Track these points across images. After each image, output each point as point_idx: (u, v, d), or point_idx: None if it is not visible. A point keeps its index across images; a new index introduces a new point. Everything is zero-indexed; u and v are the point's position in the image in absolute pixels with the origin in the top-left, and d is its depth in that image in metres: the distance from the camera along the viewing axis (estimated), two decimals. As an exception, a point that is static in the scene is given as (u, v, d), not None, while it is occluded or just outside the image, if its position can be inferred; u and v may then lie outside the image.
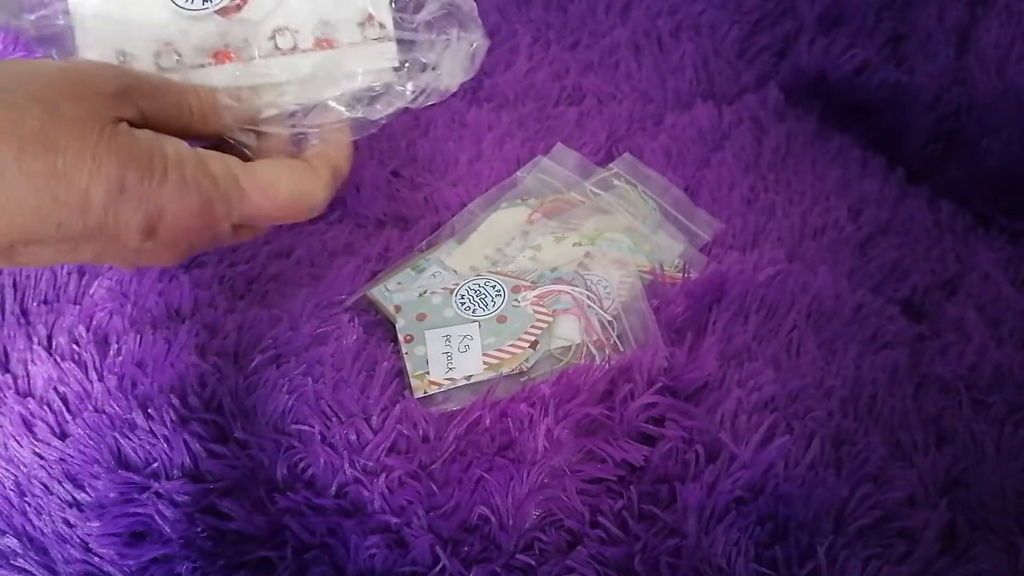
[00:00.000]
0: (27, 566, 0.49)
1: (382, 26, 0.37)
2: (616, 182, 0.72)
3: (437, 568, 0.47)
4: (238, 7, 0.35)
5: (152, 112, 0.32)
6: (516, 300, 0.61)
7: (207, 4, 0.35)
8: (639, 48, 0.85)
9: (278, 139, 0.37)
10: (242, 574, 0.48)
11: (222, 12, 0.35)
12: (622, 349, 0.59)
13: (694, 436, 0.51)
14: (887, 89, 0.81)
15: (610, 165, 0.74)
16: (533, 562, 0.48)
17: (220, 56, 0.36)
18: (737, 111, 0.78)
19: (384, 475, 0.50)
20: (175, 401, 0.52)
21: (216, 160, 0.32)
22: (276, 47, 0.36)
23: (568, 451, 0.51)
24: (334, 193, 0.36)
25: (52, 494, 0.50)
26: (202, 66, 0.36)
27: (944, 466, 0.52)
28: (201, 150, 0.33)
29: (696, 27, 0.86)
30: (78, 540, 0.49)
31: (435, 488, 0.50)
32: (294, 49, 0.36)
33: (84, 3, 0.35)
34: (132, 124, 0.31)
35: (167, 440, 0.51)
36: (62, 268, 0.58)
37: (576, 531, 0.49)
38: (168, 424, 0.51)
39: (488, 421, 0.53)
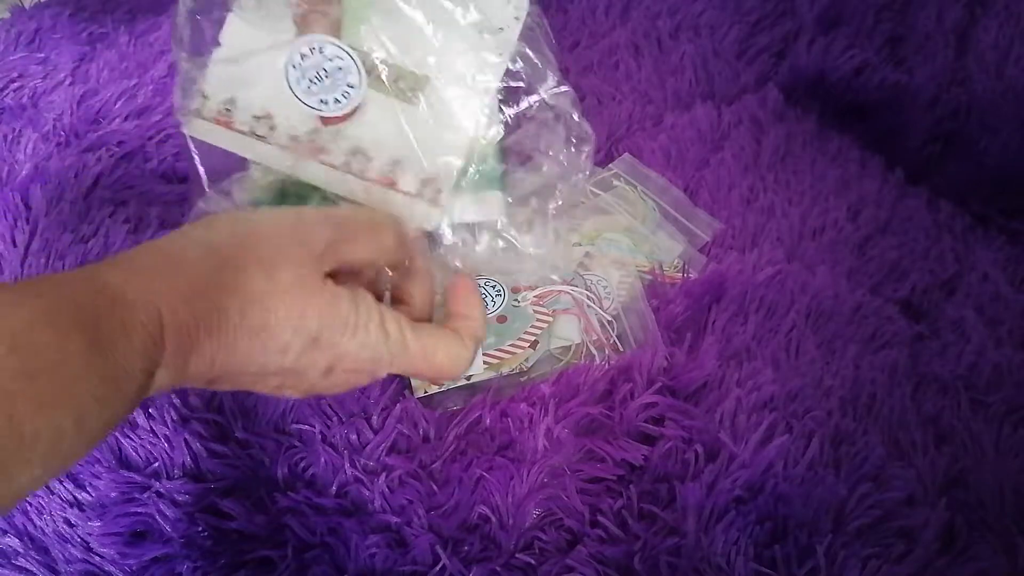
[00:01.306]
0: (28, 565, 0.49)
1: (439, 192, 0.39)
2: (616, 182, 0.72)
3: (437, 567, 0.48)
4: (343, 119, 0.38)
5: (351, 257, 0.36)
6: (516, 300, 0.61)
7: (319, 107, 0.38)
8: (639, 49, 0.85)
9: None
10: (243, 573, 0.48)
11: (324, 120, 0.38)
12: (622, 349, 0.59)
13: (694, 436, 0.51)
14: (886, 89, 0.81)
15: (610, 165, 0.74)
16: (533, 561, 0.48)
17: (310, 149, 0.39)
18: (736, 111, 0.78)
19: (384, 474, 0.50)
20: (176, 400, 0.52)
21: (393, 321, 0.36)
22: (348, 165, 0.39)
23: (568, 451, 0.51)
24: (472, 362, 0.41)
25: (53, 494, 0.50)
26: (287, 148, 0.39)
27: (943, 466, 0.52)
28: (384, 308, 0.37)
29: (696, 28, 0.86)
30: (79, 539, 0.49)
31: (435, 487, 0.50)
32: (362, 173, 0.39)
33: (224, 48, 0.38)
34: (334, 273, 0.35)
35: (168, 440, 0.51)
36: (61, 266, 0.58)
37: (576, 530, 0.49)
38: (169, 424, 0.51)
39: (488, 421, 0.53)
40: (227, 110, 0.38)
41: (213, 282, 0.32)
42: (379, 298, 0.37)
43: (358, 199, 0.39)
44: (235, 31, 0.38)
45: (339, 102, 0.37)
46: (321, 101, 0.37)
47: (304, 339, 0.34)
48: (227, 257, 0.33)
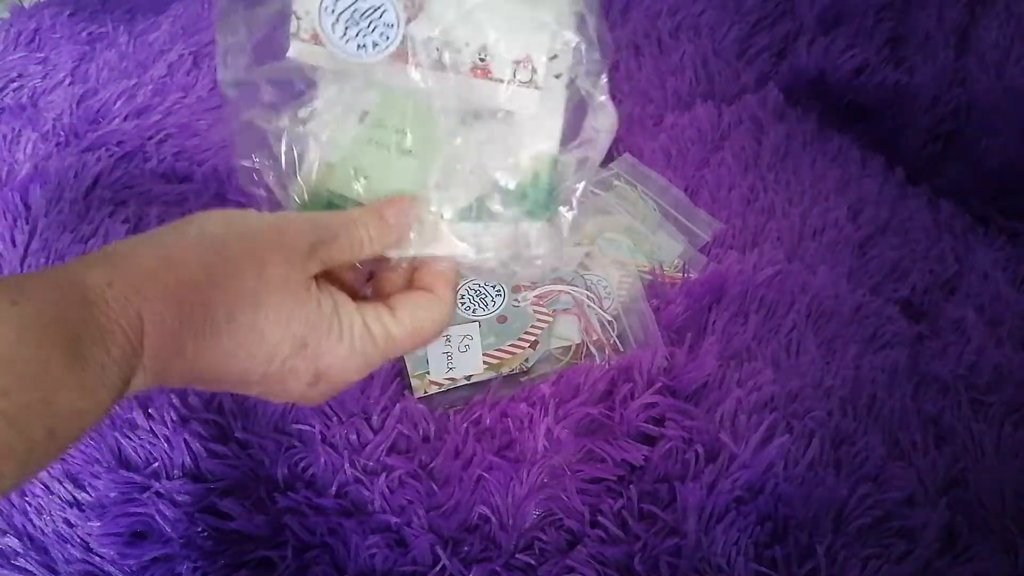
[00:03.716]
0: (28, 566, 0.49)
1: (535, 71, 0.36)
2: (616, 182, 0.72)
3: (437, 567, 0.48)
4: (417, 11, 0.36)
5: (331, 259, 0.35)
6: (516, 300, 0.61)
7: (356, 53, 0.36)
8: (639, 48, 0.85)
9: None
10: (243, 573, 0.48)
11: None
12: (622, 349, 0.59)
13: (694, 436, 0.51)
14: (886, 89, 0.81)
15: (610, 165, 0.74)
16: (533, 561, 0.48)
17: (399, 55, 0.36)
18: (737, 111, 0.78)
19: (384, 475, 0.50)
20: (176, 401, 0.52)
21: (374, 319, 0.36)
22: (439, 61, 0.36)
23: (568, 451, 0.51)
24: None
25: (53, 494, 0.50)
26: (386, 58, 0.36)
27: (943, 466, 0.52)
28: (362, 307, 0.36)
29: (696, 28, 0.86)
30: (79, 540, 0.49)
31: (435, 488, 0.50)
32: (456, 67, 0.36)
33: None
34: (317, 275, 0.35)
35: (168, 440, 0.51)
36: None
37: (576, 530, 0.49)
38: (169, 424, 0.51)
39: (488, 421, 0.53)
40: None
41: (203, 277, 0.31)
42: (354, 296, 0.36)
43: (457, 96, 0.36)
44: None
45: (377, 45, 0.35)
46: (359, 47, 0.36)
47: (292, 344, 0.33)
48: (219, 249, 0.32)
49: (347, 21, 0.35)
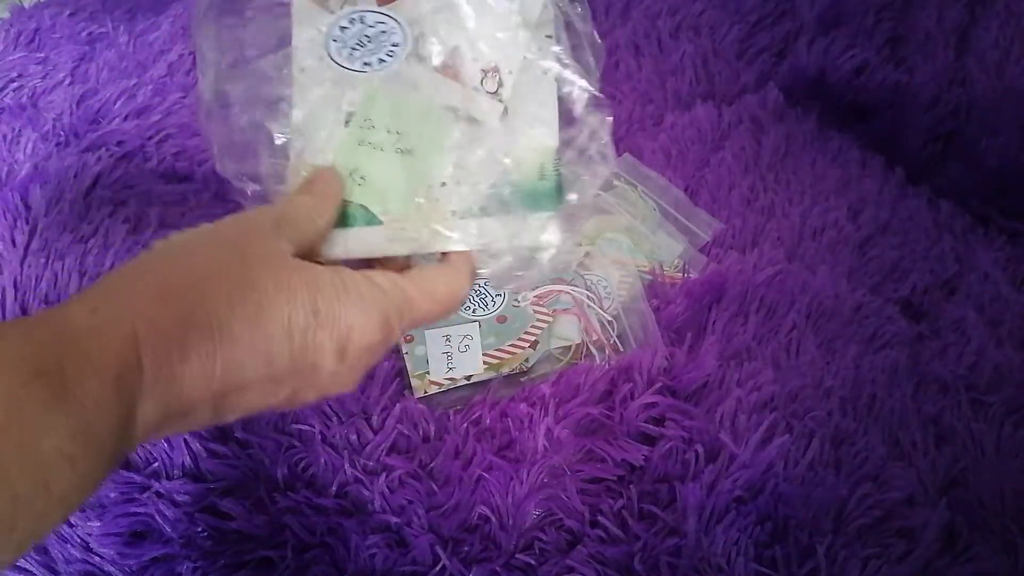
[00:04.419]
0: (27, 565, 0.49)
1: (501, 84, 0.37)
2: (616, 182, 0.72)
3: (437, 567, 0.47)
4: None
5: (299, 237, 0.35)
6: (516, 300, 0.61)
7: (362, 69, 0.37)
8: (639, 48, 0.85)
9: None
10: (243, 573, 0.48)
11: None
12: (622, 349, 0.59)
13: (694, 436, 0.51)
14: (886, 89, 0.81)
15: (610, 165, 0.74)
16: (533, 561, 0.48)
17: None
18: (737, 111, 0.78)
19: (384, 475, 0.50)
20: (176, 401, 0.52)
21: (380, 276, 0.35)
22: (415, 50, 0.37)
23: (568, 451, 0.51)
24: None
25: (53, 494, 0.50)
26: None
27: (943, 466, 0.52)
28: (365, 270, 0.36)
29: (696, 28, 0.86)
30: (78, 540, 0.49)
31: (435, 487, 0.50)
32: (429, 59, 0.37)
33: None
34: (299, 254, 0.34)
35: (168, 440, 0.51)
36: (61, 266, 0.58)
37: (576, 530, 0.49)
38: (169, 424, 0.51)
39: (488, 421, 0.53)
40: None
41: (187, 277, 0.29)
42: None
43: (425, 90, 0.37)
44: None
45: (383, 62, 0.37)
46: (364, 64, 0.37)
47: (304, 312, 0.31)
48: (192, 250, 0.31)
49: (354, 45, 0.37)
